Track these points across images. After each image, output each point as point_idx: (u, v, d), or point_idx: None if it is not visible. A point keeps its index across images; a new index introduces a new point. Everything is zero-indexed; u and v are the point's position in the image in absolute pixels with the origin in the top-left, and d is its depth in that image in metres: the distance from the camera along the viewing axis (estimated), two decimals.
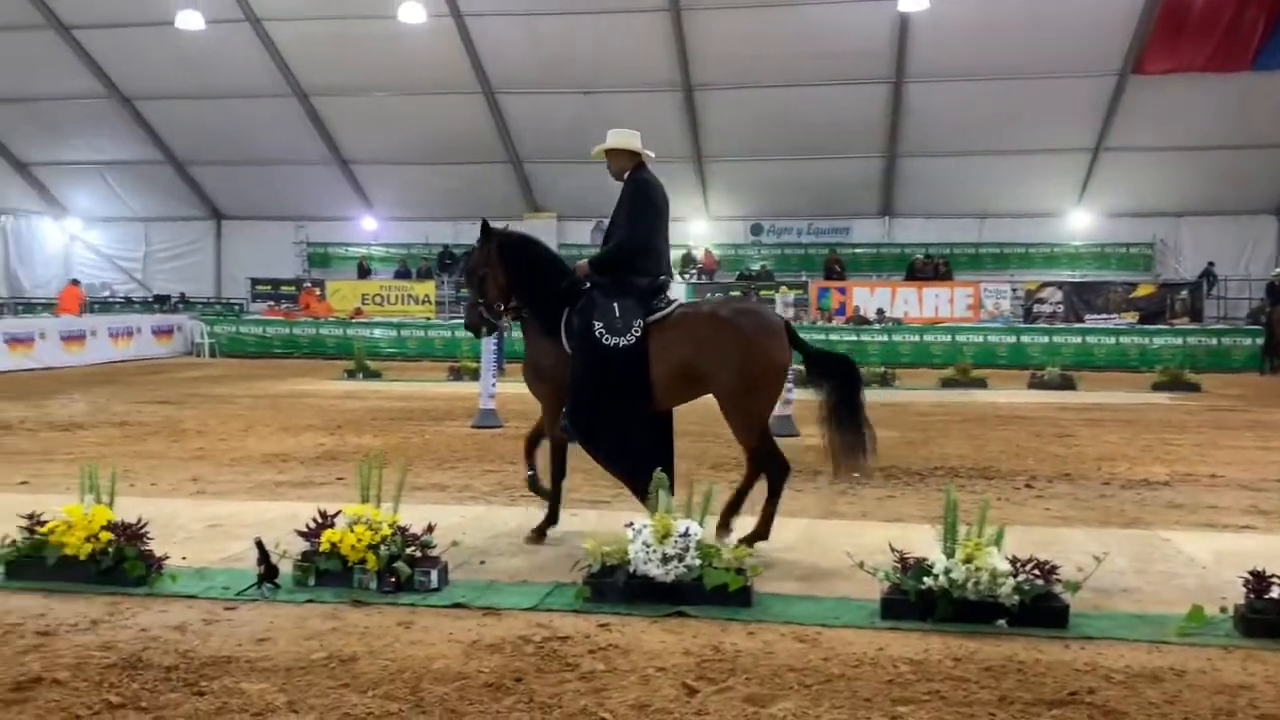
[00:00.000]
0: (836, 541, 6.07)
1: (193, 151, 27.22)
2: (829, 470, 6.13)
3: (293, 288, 27.66)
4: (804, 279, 25.73)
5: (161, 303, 28.05)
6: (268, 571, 5.03)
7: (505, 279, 6.30)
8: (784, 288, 12.28)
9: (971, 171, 24.59)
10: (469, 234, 29.82)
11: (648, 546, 4.82)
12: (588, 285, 6.18)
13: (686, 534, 4.83)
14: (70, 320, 22.63)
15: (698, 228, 27.82)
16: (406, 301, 27.39)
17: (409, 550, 5.12)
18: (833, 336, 22.87)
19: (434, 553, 5.22)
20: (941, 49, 21.66)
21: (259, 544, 5.09)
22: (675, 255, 27.07)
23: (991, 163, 24.26)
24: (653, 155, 6.42)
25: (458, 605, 4.81)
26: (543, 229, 27.94)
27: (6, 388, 16.21)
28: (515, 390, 15.52)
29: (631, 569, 4.84)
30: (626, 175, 6.34)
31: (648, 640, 4.36)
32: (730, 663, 4.10)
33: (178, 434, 10.95)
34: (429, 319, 25.89)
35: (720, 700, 3.73)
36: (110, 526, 5.10)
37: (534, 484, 6.57)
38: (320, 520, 5.27)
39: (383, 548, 5.05)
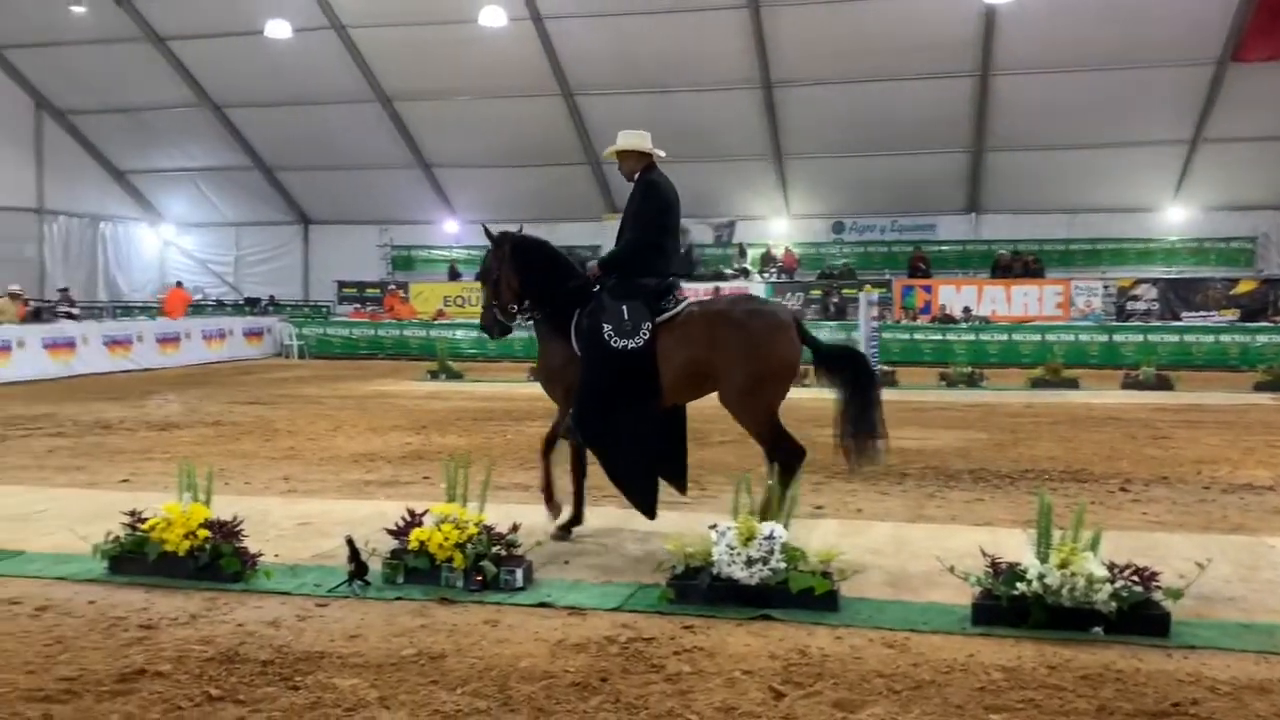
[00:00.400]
0: (924, 545, 5.96)
1: (280, 157, 27.95)
2: (843, 464, 6.12)
3: (377, 290, 28.20)
4: (887, 277, 25.34)
5: (252, 305, 28.84)
6: (358, 569, 5.12)
7: (517, 282, 6.37)
8: (868, 286, 12.08)
9: (1061, 166, 23.95)
10: (548, 235, 29.92)
11: (732, 549, 4.79)
12: (598, 287, 6.20)
13: (771, 537, 4.79)
14: (166, 323, 23.40)
15: (778, 226, 27.62)
16: None
17: (494, 549, 5.17)
18: (918, 336, 22.53)
19: (518, 552, 5.26)
20: (1030, 40, 21.15)
21: (350, 542, 5.18)
22: (754, 254, 27.05)
23: (1082, 157, 23.59)
24: (663, 155, 6.43)
25: (543, 604, 4.84)
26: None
27: (106, 388, 16.83)
28: None
29: (715, 571, 4.81)
30: (637, 176, 6.35)
31: (733, 643, 4.33)
32: (817, 667, 4.05)
33: (269, 434, 11.23)
34: None
35: (808, 705, 3.69)
36: (207, 524, 5.25)
37: (549, 491, 6.50)
38: (408, 519, 5.35)
39: (469, 546, 5.11)
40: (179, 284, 27.61)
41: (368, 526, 6.13)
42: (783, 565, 4.77)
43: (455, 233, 29.48)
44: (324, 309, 28.77)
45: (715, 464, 9.09)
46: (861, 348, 11.28)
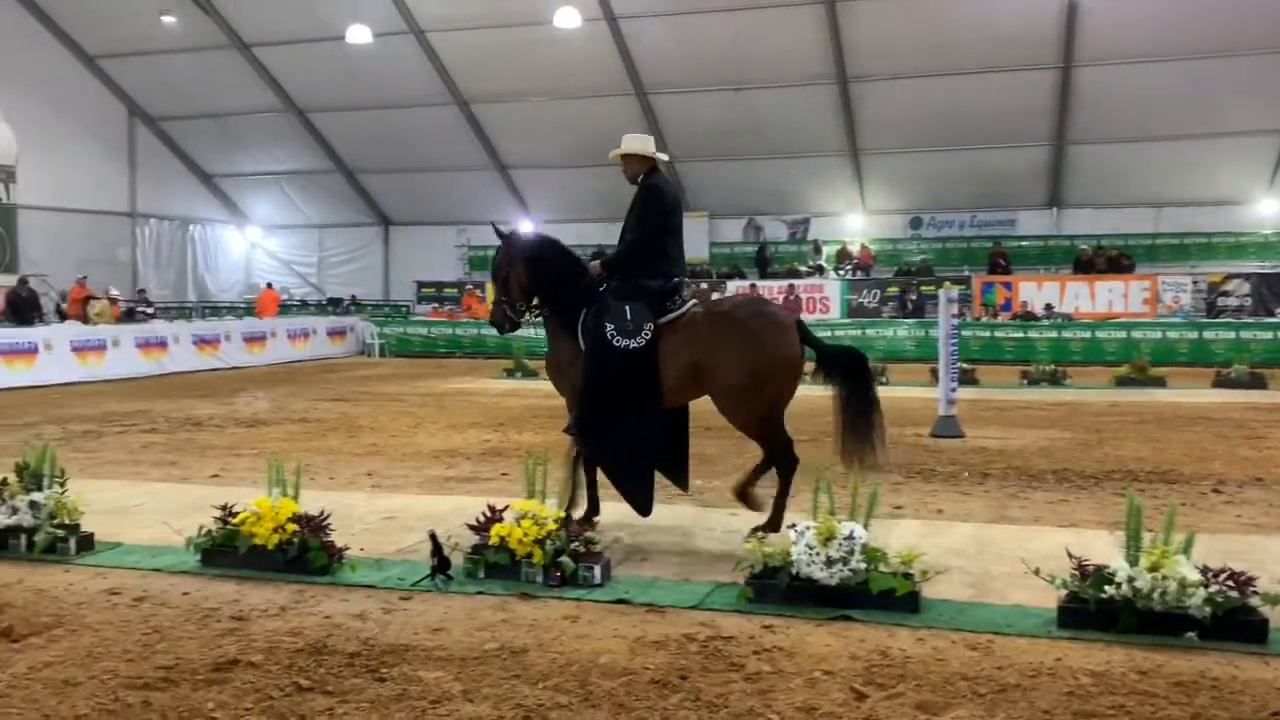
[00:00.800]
0: (1007, 547, 5.86)
1: (361, 160, 28.52)
2: (841, 463, 6.07)
3: (455, 290, 28.61)
4: (966, 274, 24.90)
5: (335, 305, 29.49)
6: (441, 563, 5.21)
7: (527, 279, 6.44)
8: (947, 283, 11.86)
9: (1147, 158, 23.28)
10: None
11: (811, 549, 4.76)
12: (603, 287, 6.27)
13: (851, 537, 4.75)
14: (253, 322, 24.05)
15: (853, 222, 27.34)
16: None
17: (573, 545, 5.21)
18: (998, 333, 22.11)
19: (596, 549, 5.30)
20: (1114, 30, 20.61)
21: (433, 537, 5.27)
22: (830, 251, 26.80)
23: (1169, 148, 22.90)
24: (665, 158, 6.47)
25: (621, 601, 4.87)
26: (695, 229, 28.02)
27: (196, 386, 17.37)
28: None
29: (794, 571, 4.78)
30: (640, 179, 6.41)
31: (813, 643, 4.31)
32: (899, 669, 4.01)
33: (353, 430, 11.48)
34: None
35: (890, 706, 3.65)
36: (296, 518, 5.39)
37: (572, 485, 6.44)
38: (489, 515, 5.43)
39: (548, 542, 5.16)
40: (270, 285, 28.37)
41: (449, 522, 6.24)
42: (863, 565, 4.73)
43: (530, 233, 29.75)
44: (404, 308, 29.29)
45: None
46: (941, 346, 11.10)
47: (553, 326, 6.49)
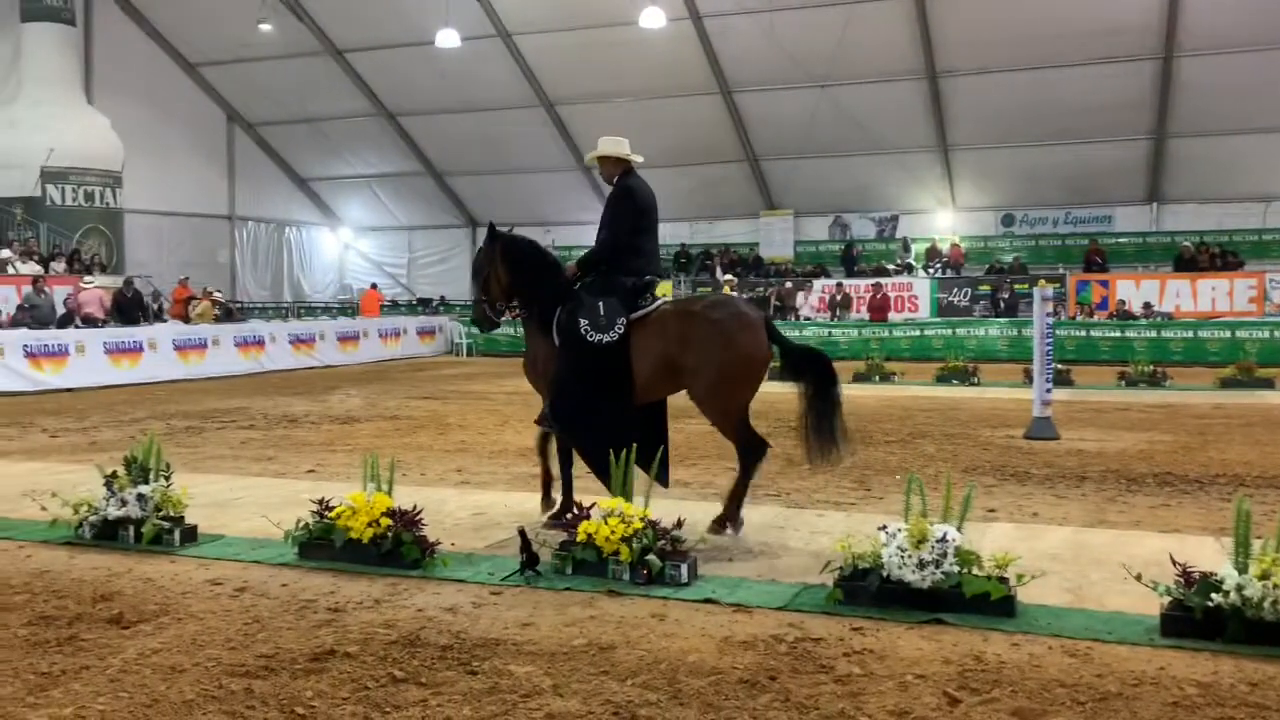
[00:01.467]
0: (1106, 552, 5.69)
1: (450, 162, 29.01)
2: (804, 459, 6.21)
3: None
4: (1061, 271, 24.28)
5: (424, 305, 30.06)
6: (529, 559, 5.26)
7: (507, 279, 6.59)
8: (1042, 281, 11.56)
9: (1253, 151, 22.41)
10: (705, 233, 30.34)
11: (902, 551, 4.68)
12: (578, 285, 6.42)
13: (944, 539, 4.66)
14: (347, 322, 24.68)
15: (943, 220, 26.87)
16: None
17: (659, 544, 5.22)
18: (1094, 333, 21.50)
19: (683, 548, 5.30)
20: (1217, 18, 19.88)
21: (522, 533, 5.34)
22: (919, 249, 26.37)
23: (1277, 140, 21.99)
24: (640, 160, 6.66)
25: (708, 601, 4.86)
26: (779, 227, 27.89)
27: (292, 384, 17.86)
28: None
29: (885, 573, 4.71)
30: (615, 180, 6.57)
31: (904, 646, 4.24)
32: (994, 674, 3.92)
33: (442, 428, 11.68)
34: None
35: (985, 712, 3.57)
36: (389, 513, 5.50)
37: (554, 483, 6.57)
38: (576, 512, 5.47)
39: (635, 541, 5.18)
40: (374, 286, 29.02)
41: (537, 518, 6.31)
42: (956, 569, 4.64)
43: None
44: None
45: (880, 465, 8.92)
46: (1035, 345, 10.83)
47: (530, 325, 6.65)
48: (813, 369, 6.23)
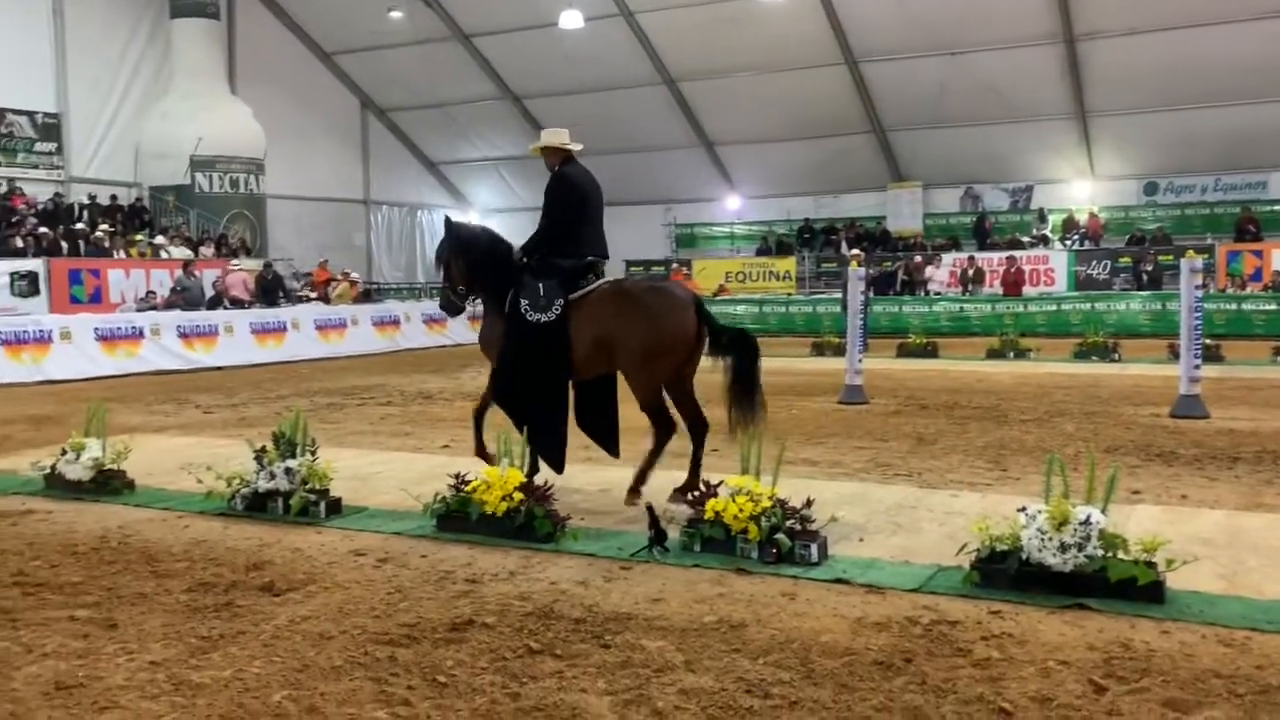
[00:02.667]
0: (1264, 536, 5.40)
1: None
2: (728, 429, 6.51)
3: (662, 267, 28.96)
4: (1209, 241, 23.01)
5: None
6: (658, 535, 5.31)
7: (464, 266, 6.96)
8: (1190, 252, 11.00)
9: None
10: (830, 208, 29.90)
11: (1043, 533, 4.54)
12: (522, 269, 6.76)
13: (1087, 522, 4.49)
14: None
15: (1080, 189, 25.78)
16: (768, 278, 27.77)
17: (788, 523, 5.19)
18: (1246, 306, 20.37)
19: (813, 527, 5.25)
20: None
21: (650, 509, 5.38)
22: (1055, 220, 25.39)
23: None
24: (579, 148, 6.97)
25: (840, 581, 4.81)
26: (908, 199, 27.24)
27: (426, 362, 18.40)
28: (881, 366, 15.29)
29: (1024, 555, 4.58)
30: (555, 168, 6.87)
31: (1045, 631, 4.12)
32: (1143, 662, 3.77)
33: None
34: (790, 295, 26.08)
35: (1133, 701, 3.44)
36: (522, 488, 5.63)
37: (482, 453, 6.95)
38: (704, 489, 5.48)
39: (763, 519, 5.16)
40: None
41: (663, 495, 6.35)
42: (1100, 552, 4.47)
43: (737, 209, 29.73)
44: None
45: (1016, 444, 8.66)
46: (1182, 319, 10.31)
47: (487, 307, 7.07)
48: (738, 348, 6.55)
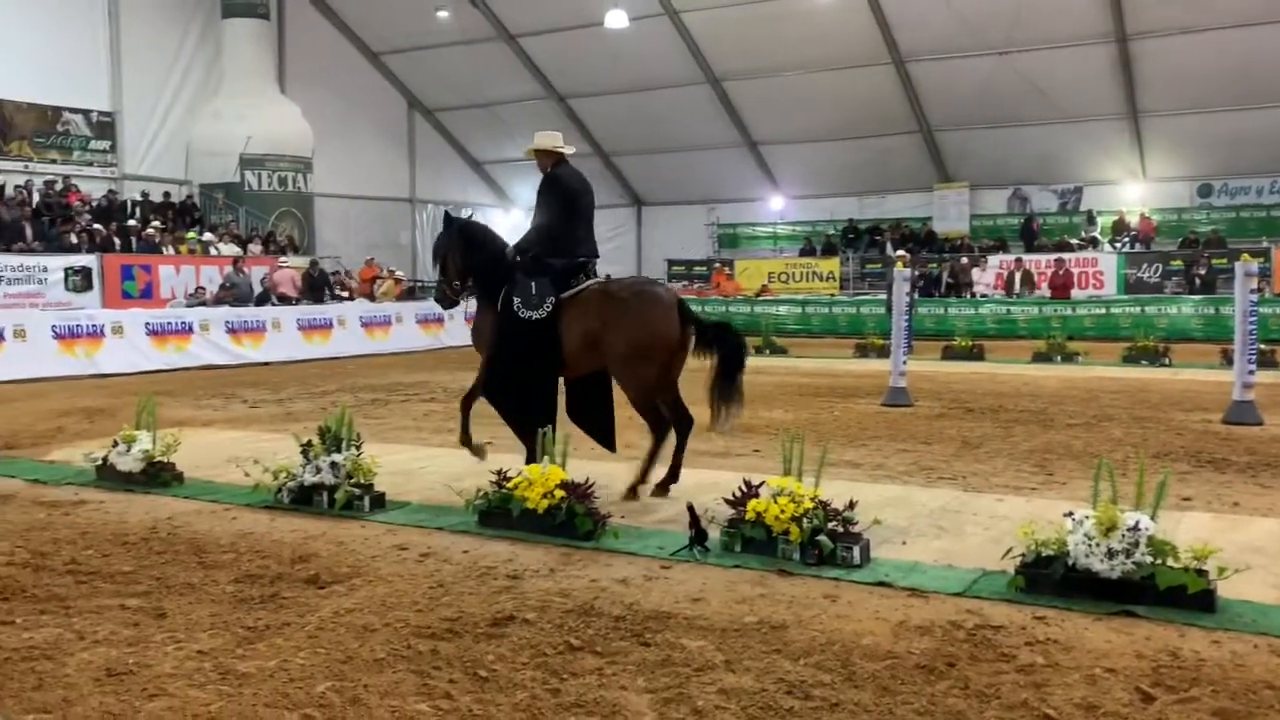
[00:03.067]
0: None
1: (617, 143, 29.33)
2: (709, 423, 6.76)
3: (704, 267, 28.94)
4: (1265, 245, 22.51)
5: None
6: (698, 535, 5.30)
7: (461, 260, 7.17)
8: (1245, 255, 10.79)
9: None
10: (875, 208, 29.70)
11: (1090, 539, 4.47)
12: (516, 266, 6.95)
13: (1136, 528, 4.42)
14: None
15: (1131, 191, 25.38)
16: (811, 279, 27.62)
17: (830, 525, 5.16)
18: None
19: (855, 529, 5.22)
20: None
21: (690, 509, 5.38)
22: (1105, 222, 25.02)
23: None
24: (571, 150, 7.15)
25: (882, 584, 4.77)
26: (954, 199, 26.97)
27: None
28: (926, 368, 15.15)
29: (1070, 561, 4.51)
30: (548, 170, 7.03)
31: (1091, 638, 4.06)
32: (1192, 672, 3.70)
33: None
34: (833, 296, 25.93)
35: (1183, 711, 3.38)
36: (563, 485, 5.65)
37: (466, 441, 7.26)
38: (745, 490, 5.46)
39: (805, 520, 5.13)
40: None
41: (703, 495, 6.33)
42: (1148, 559, 4.39)
43: (780, 209, 29.61)
44: None
45: (1063, 449, 8.54)
46: (1236, 324, 10.10)
47: (480, 301, 7.21)
48: (723, 345, 6.72)
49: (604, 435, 7.20)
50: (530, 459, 6.51)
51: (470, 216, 7.55)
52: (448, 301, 7.55)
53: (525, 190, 32.47)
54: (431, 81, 28.95)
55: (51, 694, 3.59)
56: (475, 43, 26.47)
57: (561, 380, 6.98)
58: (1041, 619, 4.28)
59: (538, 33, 26.08)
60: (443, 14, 25.34)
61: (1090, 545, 4.46)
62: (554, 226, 6.90)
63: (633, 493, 6.58)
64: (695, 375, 6.90)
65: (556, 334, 6.67)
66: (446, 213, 7.56)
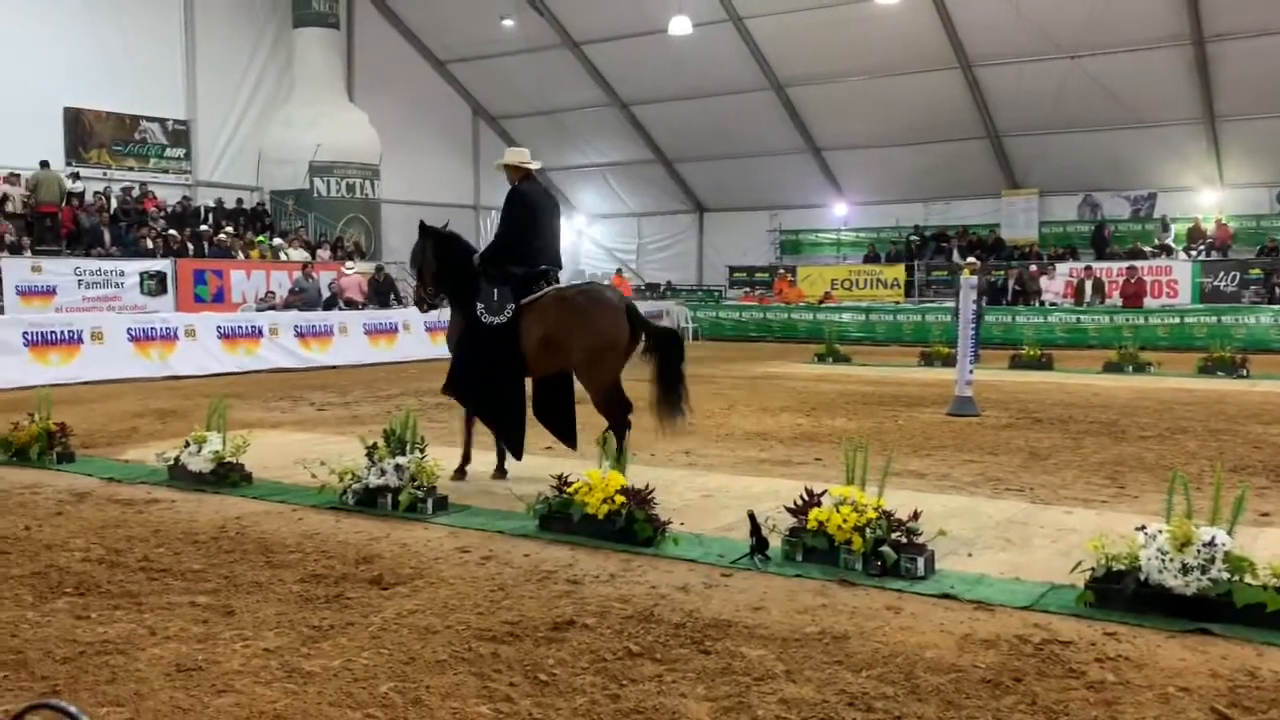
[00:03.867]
0: None
1: (679, 149, 29.35)
2: (655, 424, 7.27)
3: (766, 274, 28.80)
4: None
5: (652, 290, 30.62)
6: (759, 543, 5.26)
7: (434, 268, 7.65)
8: None
9: None
10: (941, 215, 29.35)
11: (1163, 554, 4.35)
12: (481, 274, 7.44)
13: (1212, 543, 4.29)
14: None
15: (1207, 197, 24.72)
16: (875, 286, 27.34)
17: (894, 535, 5.09)
18: None
19: (919, 540, 5.14)
20: None
21: (751, 517, 5.34)
22: (1179, 229, 24.42)
23: None
24: (537, 166, 7.70)
25: (947, 596, 4.69)
26: (1023, 206, 26.53)
27: None
28: (993, 378, 14.89)
29: (1143, 576, 4.39)
30: (514, 184, 7.54)
31: (1164, 656, 3.94)
32: (1271, 692, 3.58)
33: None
34: (898, 304, 25.62)
35: None
36: (624, 491, 5.65)
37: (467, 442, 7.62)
38: (807, 498, 5.41)
39: (868, 530, 5.07)
40: (618, 271, 29.72)
41: (764, 503, 6.28)
42: (1225, 576, 4.26)
43: (844, 215, 29.36)
44: (716, 293, 29.90)
45: (1135, 461, 8.32)
46: None
47: (452, 307, 7.74)
48: (664, 347, 7.19)
49: (566, 434, 7.68)
50: (501, 455, 7.34)
51: (447, 227, 7.93)
52: (423, 306, 8.02)
53: (589, 197, 32.70)
54: (496, 89, 29.26)
55: (124, 688, 3.68)
56: (539, 50, 26.69)
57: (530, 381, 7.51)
58: (1112, 635, 4.18)
59: (601, 40, 26.22)
60: (508, 22, 25.61)
61: (1164, 560, 4.34)
62: (513, 237, 7.39)
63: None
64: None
65: (517, 337, 7.18)
66: (421, 222, 7.96)
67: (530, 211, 7.41)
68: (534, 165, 7.64)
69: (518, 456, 7.36)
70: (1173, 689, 3.62)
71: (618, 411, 7.21)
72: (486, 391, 7.32)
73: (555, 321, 7.12)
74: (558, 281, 7.50)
